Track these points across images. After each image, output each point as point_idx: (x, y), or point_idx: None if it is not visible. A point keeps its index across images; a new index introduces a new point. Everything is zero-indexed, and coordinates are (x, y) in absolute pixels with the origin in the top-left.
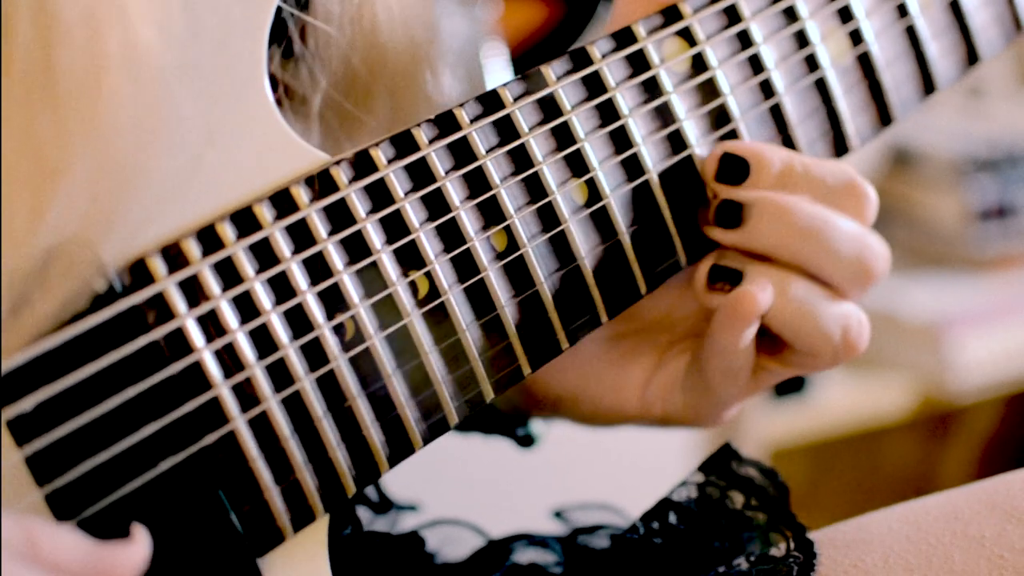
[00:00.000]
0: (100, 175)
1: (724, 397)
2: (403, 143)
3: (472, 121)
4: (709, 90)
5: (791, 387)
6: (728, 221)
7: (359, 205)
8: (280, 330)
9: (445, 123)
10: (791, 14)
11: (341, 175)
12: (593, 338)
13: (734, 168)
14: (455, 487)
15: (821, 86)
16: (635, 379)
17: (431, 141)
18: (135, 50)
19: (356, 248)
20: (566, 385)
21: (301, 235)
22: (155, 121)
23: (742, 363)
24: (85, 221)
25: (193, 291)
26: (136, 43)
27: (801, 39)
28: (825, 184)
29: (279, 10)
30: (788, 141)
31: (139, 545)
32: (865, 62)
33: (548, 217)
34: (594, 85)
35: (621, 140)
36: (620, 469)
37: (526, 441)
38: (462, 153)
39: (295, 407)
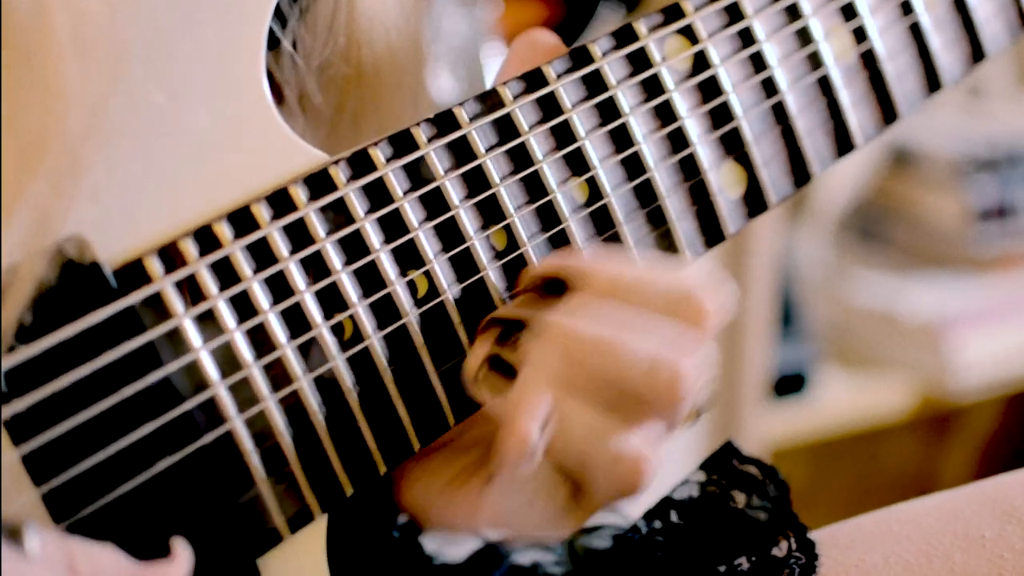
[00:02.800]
0: (47, 160)
1: (537, 520)
2: (402, 142)
3: (471, 120)
4: (711, 88)
5: (791, 387)
6: (505, 336)
7: (357, 204)
8: (278, 330)
9: (444, 122)
10: (794, 12)
11: (339, 174)
12: (436, 455)
13: (552, 288)
14: None
15: (824, 84)
16: (463, 496)
17: (430, 140)
18: (84, 27)
19: (354, 247)
20: (415, 496)
21: (299, 235)
22: (112, 107)
23: (531, 491)
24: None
25: (190, 291)
26: (84, 18)
27: (804, 37)
28: (656, 300)
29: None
30: (790, 138)
31: (180, 561)
32: (869, 60)
33: (548, 216)
34: (594, 83)
35: (622, 139)
36: None
37: None
38: (461, 152)
39: (292, 407)
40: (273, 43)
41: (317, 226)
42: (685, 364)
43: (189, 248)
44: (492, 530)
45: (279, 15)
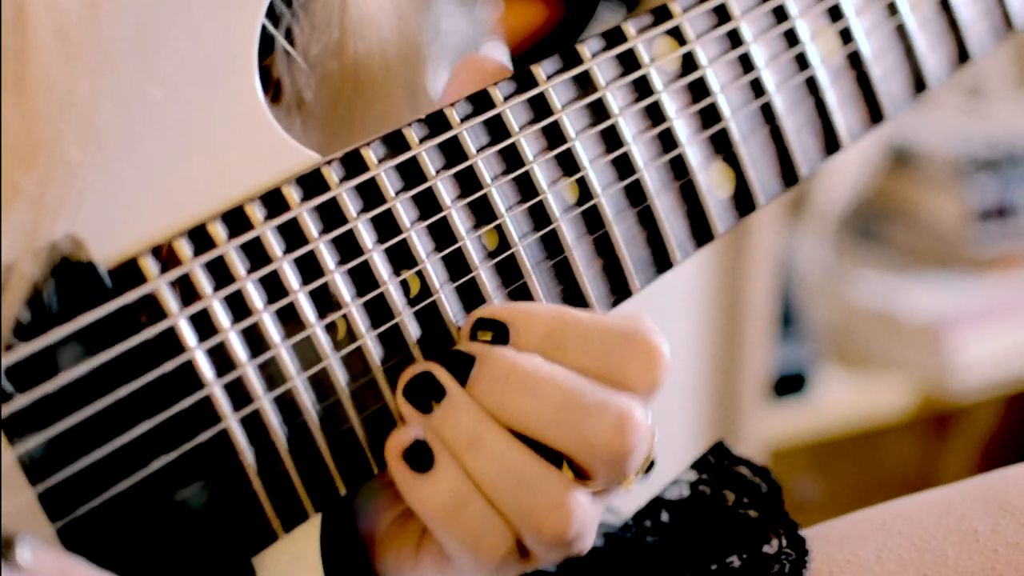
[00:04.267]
0: (35, 161)
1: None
2: (394, 142)
3: (463, 120)
4: (699, 89)
5: (791, 387)
6: (456, 373)
7: (350, 204)
8: (272, 329)
9: (436, 122)
10: (781, 13)
11: (332, 174)
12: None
13: (494, 332)
14: None
15: (811, 84)
16: (408, 537)
17: (422, 140)
18: (67, 27)
19: (347, 247)
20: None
21: (292, 234)
22: (103, 107)
23: (476, 562)
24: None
25: (185, 290)
26: (67, 18)
27: (791, 38)
28: (600, 341)
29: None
30: (778, 138)
31: None
32: (855, 60)
33: (539, 216)
34: (584, 84)
35: (612, 139)
36: None
37: None
38: (453, 152)
39: (287, 406)
40: (270, 42)
41: (310, 226)
42: (637, 412)
43: (183, 248)
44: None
45: (273, 14)
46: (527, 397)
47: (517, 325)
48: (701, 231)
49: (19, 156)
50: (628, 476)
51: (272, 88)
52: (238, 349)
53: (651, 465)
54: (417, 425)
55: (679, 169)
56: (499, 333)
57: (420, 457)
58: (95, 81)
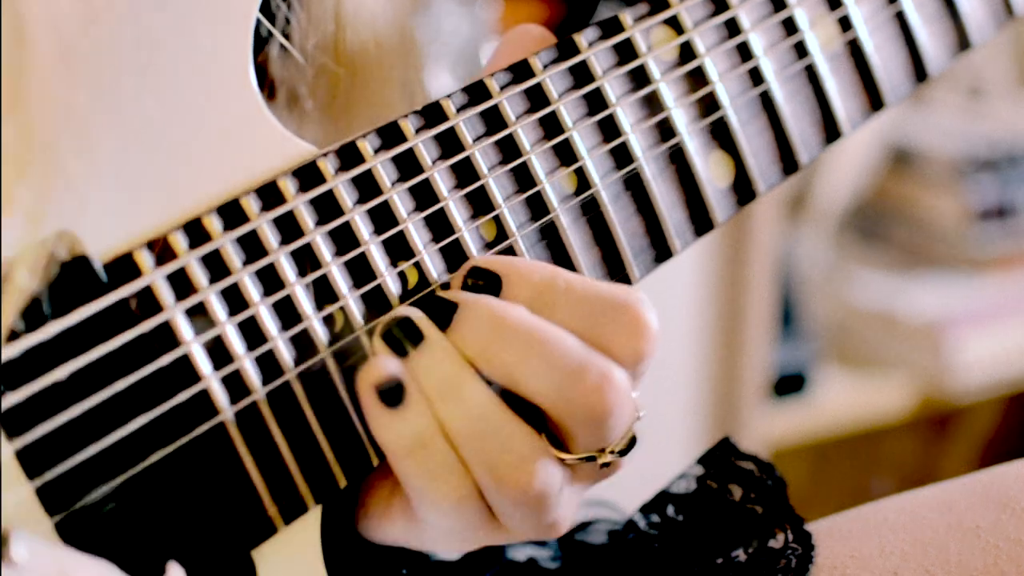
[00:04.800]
0: (36, 149)
1: (447, 531)
2: (389, 134)
3: (458, 111)
4: (697, 78)
5: (791, 387)
6: (438, 320)
7: (346, 196)
8: (269, 322)
9: (431, 114)
10: (779, 1)
11: (328, 166)
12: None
13: (486, 282)
14: None
15: (810, 72)
16: (384, 494)
17: (417, 131)
18: (65, 37)
19: (344, 239)
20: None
21: (288, 227)
22: (99, 107)
23: (426, 501)
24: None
25: (181, 284)
26: (65, 28)
27: (789, 26)
28: (590, 305)
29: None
30: (777, 126)
31: None
32: (854, 48)
33: (537, 206)
34: (581, 74)
35: (609, 129)
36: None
37: None
38: (449, 143)
39: (284, 398)
40: (263, 37)
41: (306, 218)
42: (619, 374)
43: (179, 241)
44: (395, 528)
45: (268, 10)
46: (509, 347)
47: (510, 278)
48: (700, 220)
49: (16, 165)
50: (606, 444)
51: (268, 85)
52: (235, 342)
53: (631, 444)
54: (395, 364)
55: (678, 158)
56: (491, 283)
57: (392, 394)
58: (92, 88)
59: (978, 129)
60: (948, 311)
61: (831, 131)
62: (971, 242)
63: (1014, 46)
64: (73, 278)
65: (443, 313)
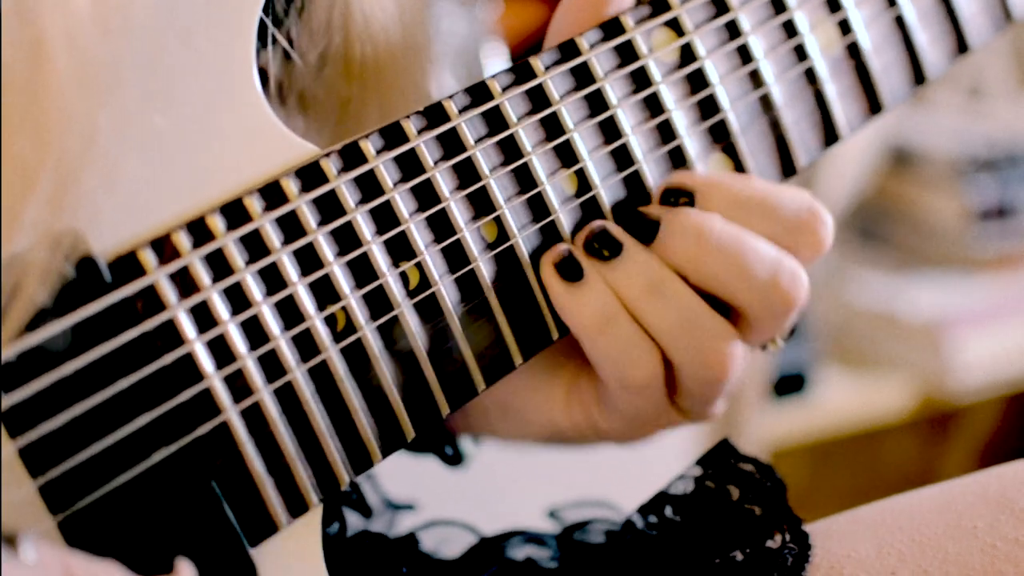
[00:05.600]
0: (49, 163)
1: (632, 414)
2: (392, 134)
3: (461, 112)
4: (698, 80)
5: (791, 387)
6: (642, 236)
7: (349, 196)
8: (271, 321)
9: (434, 114)
10: (779, 4)
11: (330, 167)
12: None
13: (684, 197)
14: (453, 488)
15: (810, 75)
16: (559, 390)
17: (420, 132)
18: (81, 53)
19: (346, 239)
20: (494, 396)
21: (291, 227)
22: (109, 107)
23: (624, 378)
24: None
25: (184, 283)
26: (81, 44)
27: (790, 29)
28: (780, 213)
29: (272, 9)
30: (777, 129)
31: None
32: (854, 51)
33: (538, 207)
34: (582, 75)
35: (610, 130)
36: (617, 466)
37: (454, 460)
38: (451, 144)
39: (287, 397)
40: (269, 42)
41: (309, 218)
42: (804, 274)
43: (182, 240)
44: (578, 420)
45: (275, 15)
46: (711, 257)
47: (704, 192)
48: None
49: (31, 181)
50: (783, 332)
51: (271, 86)
52: (237, 341)
53: (794, 331)
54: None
55: (678, 160)
56: (687, 199)
57: (571, 268)
58: (105, 102)
59: (978, 129)
60: (948, 311)
61: (830, 134)
62: (971, 242)
63: (1014, 47)
64: (78, 276)
65: (647, 230)
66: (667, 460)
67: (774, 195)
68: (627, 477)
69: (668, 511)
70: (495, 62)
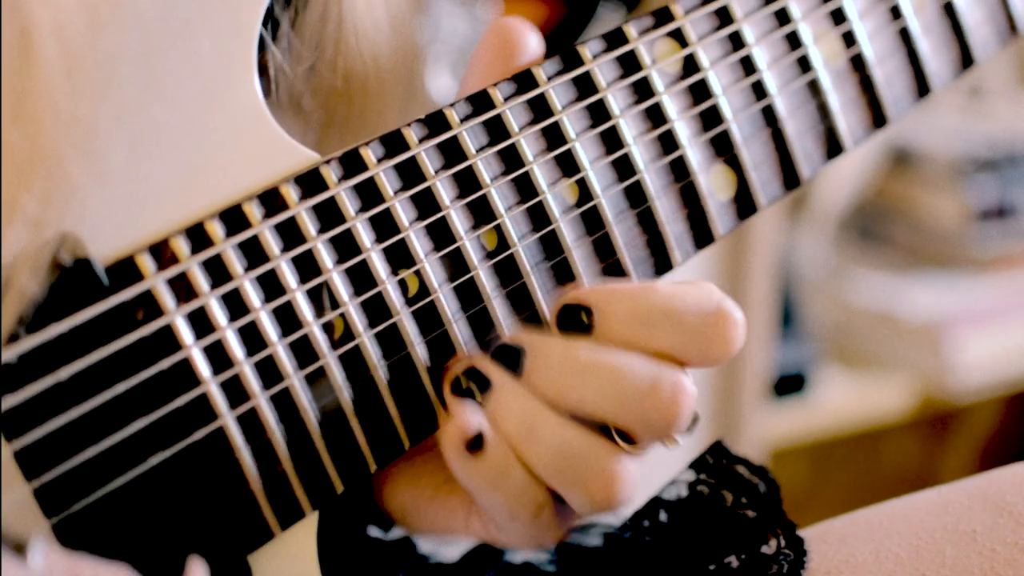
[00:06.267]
0: (38, 156)
1: (531, 533)
2: (393, 142)
3: (462, 121)
4: (701, 91)
5: (791, 387)
6: (509, 365)
7: (348, 204)
8: (269, 327)
9: (435, 122)
10: (783, 16)
11: (331, 174)
12: (424, 459)
13: (577, 317)
14: None
15: (813, 87)
16: (458, 508)
17: (421, 140)
18: (70, 48)
19: (345, 247)
20: (403, 499)
21: (290, 233)
22: (104, 115)
23: (514, 517)
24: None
25: (182, 288)
26: (70, 39)
27: (794, 41)
28: (686, 320)
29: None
30: (780, 141)
31: None
32: (858, 64)
33: (539, 216)
34: (585, 85)
35: (612, 140)
36: None
37: None
38: (452, 152)
39: (284, 404)
40: (266, 46)
41: (308, 225)
42: (687, 380)
43: (181, 246)
44: (479, 532)
45: (272, 21)
46: (581, 385)
47: (602, 307)
48: (701, 233)
49: (21, 173)
50: (676, 439)
51: (270, 92)
52: (235, 347)
53: (695, 422)
54: (478, 415)
55: (680, 171)
56: (579, 317)
57: (475, 443)
58: (97, 97)
59: (978, 129)
60: (948, 311)
61: (833, 146)
62: (971, 242)
63: (1014, 46)
64: (75, 281)
65: (513, 360)
66: (668, 458)
67: (678, 301)
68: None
69: (662, 516)
70: None
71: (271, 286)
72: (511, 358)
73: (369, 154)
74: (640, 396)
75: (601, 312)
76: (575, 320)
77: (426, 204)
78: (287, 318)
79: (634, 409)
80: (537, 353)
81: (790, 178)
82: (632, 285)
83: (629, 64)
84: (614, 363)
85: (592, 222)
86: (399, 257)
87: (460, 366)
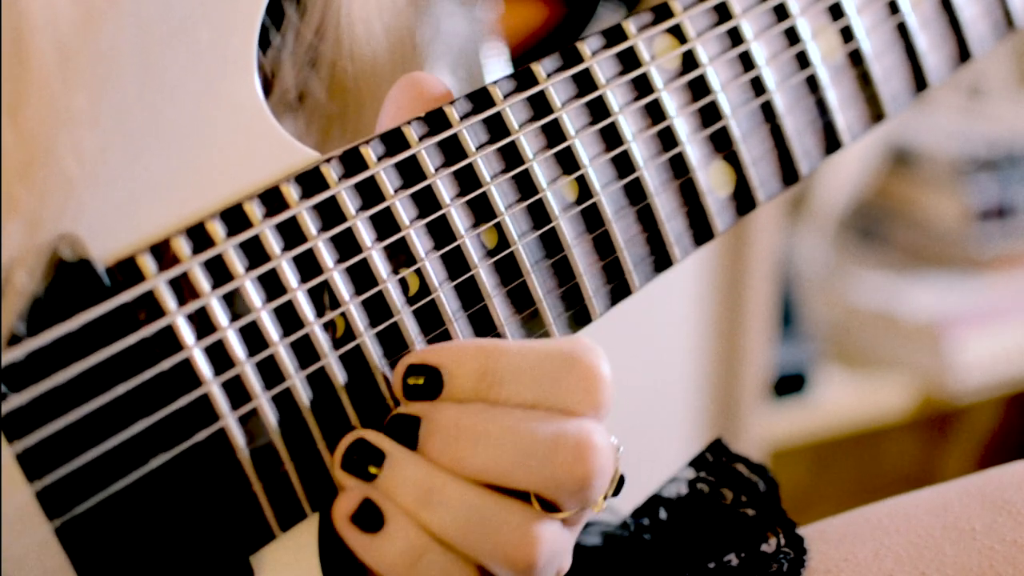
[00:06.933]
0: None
1: None
2: (393, 140)
3: (462, 118)
4: (700, 87)
5: (791, 387)
6: (404, 439)
7: (349, 203)
8: (270, 327)
9: (435, 120)
10: (782, 11)
11: (331, 172)
12: None
13: (426, 378)
14: None
15: (812, 83)
16: None
17: (421, 138)
18: (66, 45)
19: (346, 245)
20: None
21: (291, 233)
22: (104, 113)
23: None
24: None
25: (183, 289)
26: (66, 36)
27: (792, 36)
28: (536, 371)
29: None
30: (778, 137)
31: None
32: (856, 59)
33: (538, 214)
34: (584, 82)
35: (612, 137)
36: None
37: None
38: (452, 150)
39: (285, 404)
40: (268, 44)
41: (309, 224)
42: (595, 435)
43: (182, 246)
44: None
45: (276, 14)
46: (481, 449)
47: (449, 367)
48: (701, 230)
49: (17, 170)
50: (597, 501)
51: (270, 90)
52: (236, 347)
53: (621, 483)
54: (361, 489)
55: (679, 167)
56: (431, 377)
57: (369, 518)
58: (94, 94)
59: (978, 129)
60: (948, 311)
61: (831, 142)
62: (971, 242)
63: (1014, 47)
64: (76, 281)
65: (407, 430)
66: (668, 459)
67: (528, 352)
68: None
69: (662, 514)
70: (495, 62)
71: (272, 286)
72: (405, 429)
73: (369, 152)
74: (542, 457)
75: (449, 373)
76: (423, 384)
77: (426, 202)
78: (288, 318)
79: (538, 471)
80: (430, 421)
81: (789, 174)
82: (481, 341)
83: (628, 60)
84: (510, 424)
85: (592, 219)
86: (399, 256)
87: (348, 439)
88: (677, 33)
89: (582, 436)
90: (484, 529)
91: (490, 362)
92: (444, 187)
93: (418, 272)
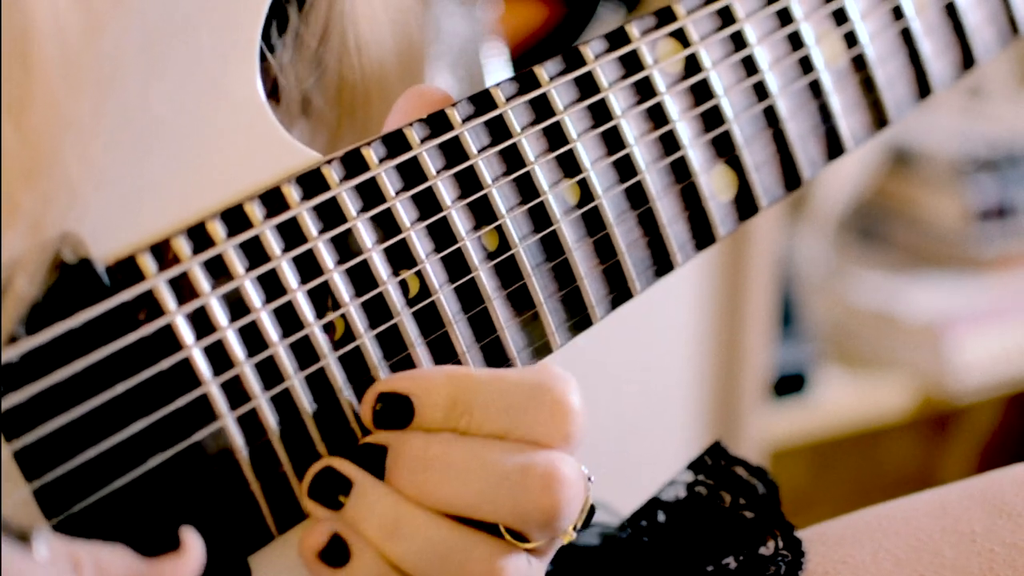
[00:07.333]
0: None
1: None
2: (394, 142)
3: (464, 121)
4: (702, 91)
5: (791, 387)
6: (371, 467)
7: (350, 204)
8: (270, 328)
9: (437, 123)
10: (785, 16)
11: (332, 174)
12: None
13: (396, 406)
14: None
15: (815, 88)
16: None
17: (423, 140)
18: (70, 49)
19: (346, 247)
20: None
21: (292, 233)
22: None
23: None
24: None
25: (183, 288)
26: (70, 40)
27: (795, 41)
28: (506, 400)
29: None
30: (781, 141)
31: (191, 554)
32: (860, 64)
33: (540, 217)
34: (587, 86)
35: (614, 141)
36: (614, 467)
37: None
38: (453, 153)
39: (284, 405)
40: (273, 48)
41: (309, 225)
42: (563, 466)
43: (182, 246)
44: None
45: (280, 18)
46: (447, 480)
47: (419, 396)
48: (702, 234)
49: (20, 174)
50: (567, 531)
51: (272, 92)
52: (235, 347)
53: (591, 513)
54: (329, 521)
55: (681, 172)
56: (401, 405)
57: (336, 553)
58: (98, 98)
59: (978, 129)
60: (948, 311)
61: (835, 147)
62: (971, 242)
63: (1014, 46)
64: (76, 280)
65: (374, 458)
66: (668, 459)
67: (498, 381)
68: (628, 476)
69: (661, 517)
70: (495, 62)
71: (272, 286)
72: (373, 458)
73: (371, 154)
74: (509, 488)
75: (419, 400)
76: (394, 411)
77: (427, 204)
78: (288, 318)
79: (505, 503)
80: (397, 450)
81: (791, 179)
82: (451, 369)
83: (631, 64)
84: (478, 455)
85: (593, 223)
86: (400, 258)
87: (316, 467)
88: (680, 37)
89: (550, 468)
90: (449, 562)
91: (460, 391)
92: (445, 189)
93: (418, 274)
